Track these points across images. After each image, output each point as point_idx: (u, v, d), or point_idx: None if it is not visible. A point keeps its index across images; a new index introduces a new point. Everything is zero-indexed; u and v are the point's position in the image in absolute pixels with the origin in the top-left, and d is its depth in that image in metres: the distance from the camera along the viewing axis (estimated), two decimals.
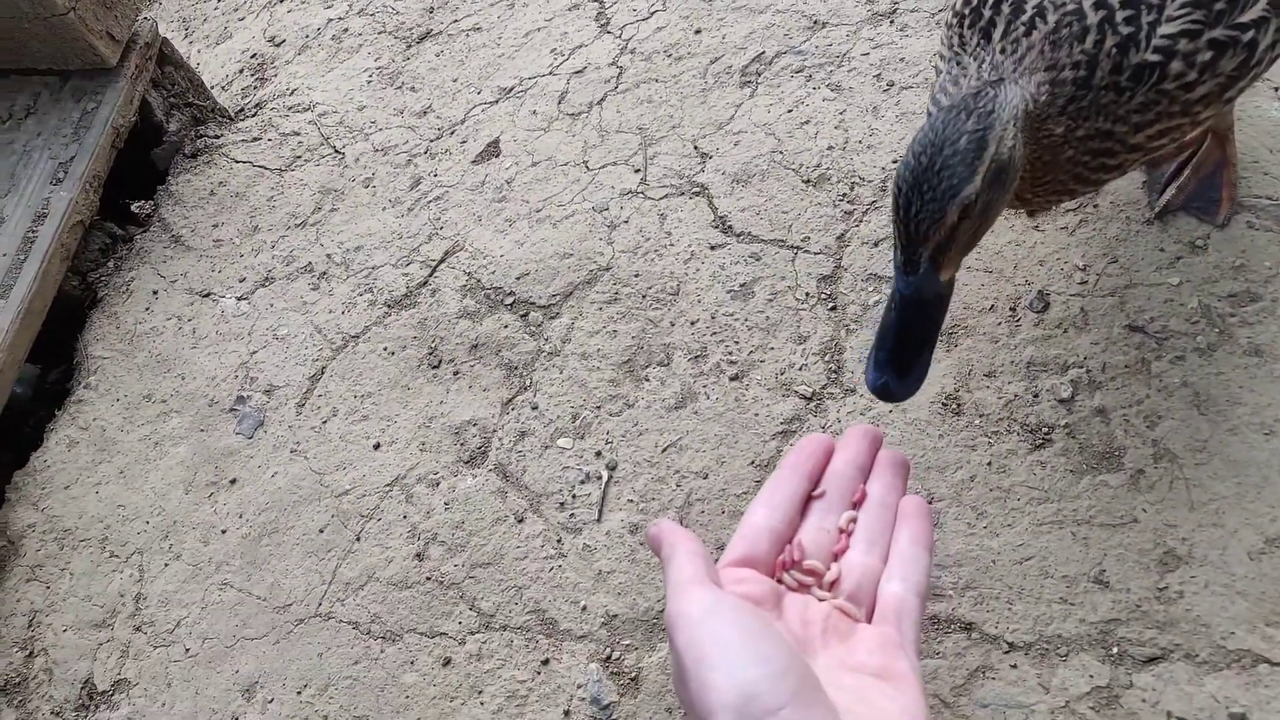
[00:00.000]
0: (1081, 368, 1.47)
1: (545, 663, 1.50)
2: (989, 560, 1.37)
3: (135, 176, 2.39)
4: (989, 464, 1.44)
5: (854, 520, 0.76)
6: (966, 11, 1.11)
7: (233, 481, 1.85)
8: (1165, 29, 1.00)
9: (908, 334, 0.83)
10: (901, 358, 0.82)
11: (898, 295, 0.85)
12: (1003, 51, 1.05)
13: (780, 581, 0.73)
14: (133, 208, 2.39)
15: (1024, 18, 1.05)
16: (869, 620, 0.72)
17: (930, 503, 1.44)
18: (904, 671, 0.66)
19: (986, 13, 1.08)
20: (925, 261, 0.85)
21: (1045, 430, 1.44)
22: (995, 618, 1.33)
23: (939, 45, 1.20)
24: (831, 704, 0.57)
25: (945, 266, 0.87)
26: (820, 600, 0.72)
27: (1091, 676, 1.26)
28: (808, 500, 0.78)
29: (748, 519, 0.76)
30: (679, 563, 0.67)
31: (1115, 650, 1.27)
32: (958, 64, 1.11)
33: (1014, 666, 1.30)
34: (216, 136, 2.46)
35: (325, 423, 1.86)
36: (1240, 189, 1.49)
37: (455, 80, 2.35)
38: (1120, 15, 1.00)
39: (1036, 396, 1.47)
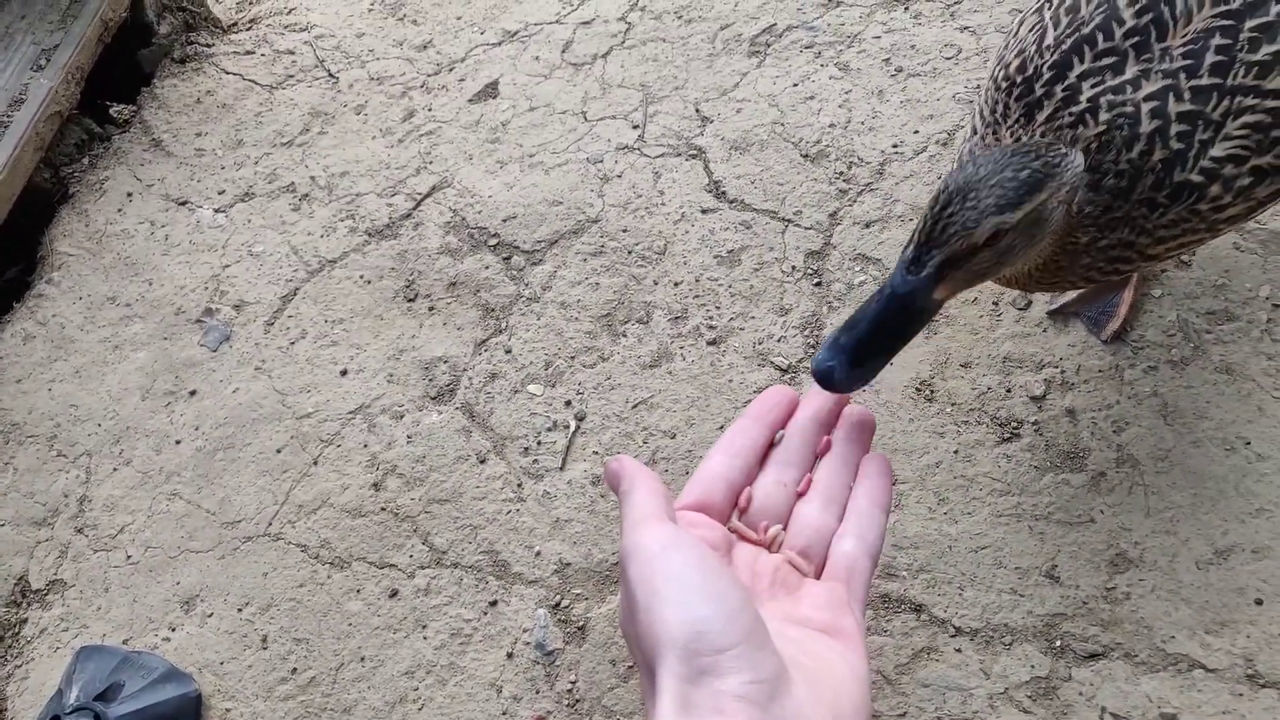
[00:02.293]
0: (1056, 368, 1.48)
1: (493, 604, 1.49)
2: (946, 546, 1.39)
3: (119, 75, 2.32)
4: (956, 452, 1.45)
5: (810, 480, 0.75)
6: (1018, 79, 1.06)
7: (192, 393, 1.81)
8: (1217, 150, 0.97)
9: (880, 330, 0.78)
10: (862, 350, 0.77)
11: (889, 289, 0.82)
12: (1042, 136, 1.02)
13: (732, 529, 0.72)
14: (112, 111, 2.33)
15: (1074, 109, 1.01)
16: (818, 576, 0.71)
17: (893, 484, 1.45)
18: (849, 628, 0.65)
19: (1038, 90, 1.04)
20: (933, 267, 0.82)
21: (1014, 425, 1.45)
22: (945, 602, 1.35)
23: (981, 100, 1.15)
24: (778, 652, 0.56)
25: (946, 283, 0.85)
26: (771, 552, 0.72)
27: (1032, 667, 1.28)
28: (768, 451, 0.77)
29: (705, 465, 0.75)
30: (639, 497, 0.66)
31: (1058, 644, 1.29)
32: (994, 134, 1.08)
33: (958, 650, 1.32)
34: (208, 45, 2.39)
35: (293, 344, 1.82)
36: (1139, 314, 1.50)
37: (459, 18, 2.31)
38: (1175, 130, 0.97)
39: (1009, 391, 1.48)
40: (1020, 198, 0.84)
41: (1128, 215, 1.01)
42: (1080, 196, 0.99)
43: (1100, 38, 1.02)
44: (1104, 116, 0.99)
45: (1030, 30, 1.10)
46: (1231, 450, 1.36)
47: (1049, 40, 1.06)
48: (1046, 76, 1.04)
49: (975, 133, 1.13)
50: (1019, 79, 1.07)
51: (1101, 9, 1.03)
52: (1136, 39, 1.00)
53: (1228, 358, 1.42)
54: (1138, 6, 1.01)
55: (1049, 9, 1.10)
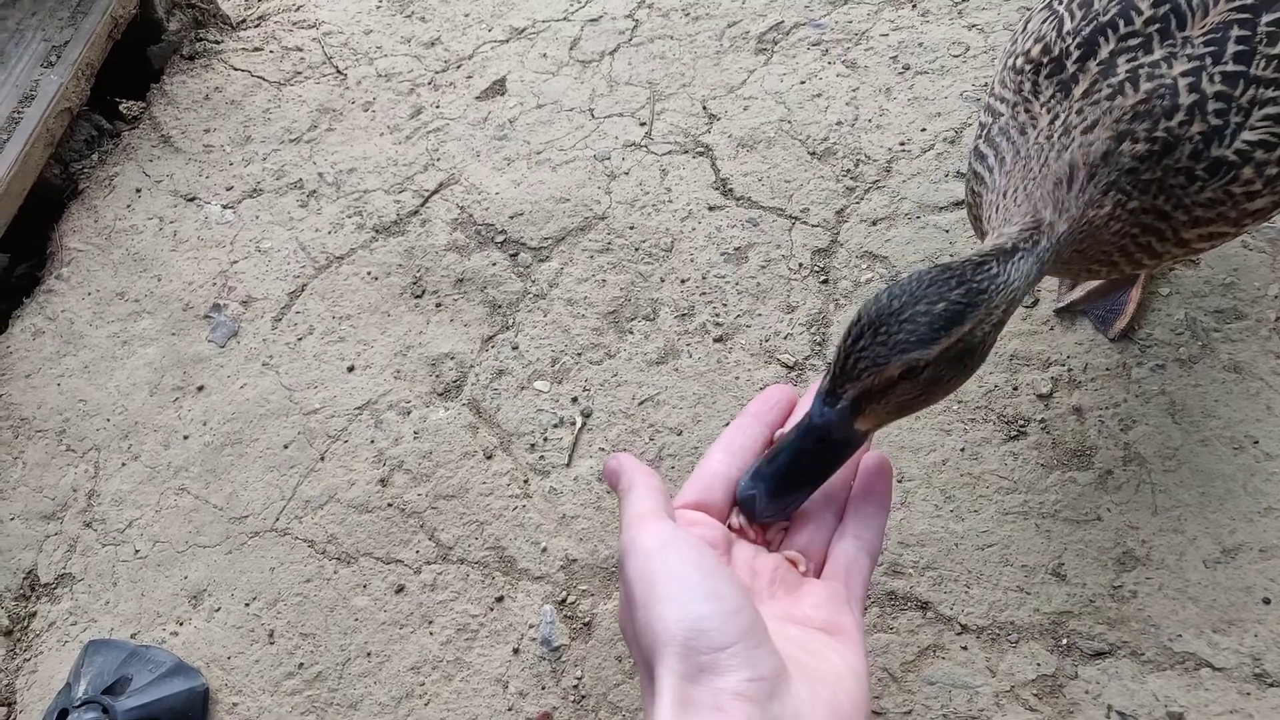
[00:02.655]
0: (1063, 366, 1.48)
1: (499, 600, 1.49)
2: (952, 543, 1.38)
3: (129, 72, 2.33)
4: (962, 450, 1.45)
5: None
6: (1044, 60, 1.07)
7: (200, 388, 1.82)
8: (1247, 134, 0.99)
9: (800, 461, 0.73)
10: (782, 482, 0.72)
11: (806, 421, 0.76)
12: (1079, 112, 1.02)
13: (731, 528, 0.72)
14: (121, 107, 2.33)
15: (1113, 79, 1.02)
16: (818, 575, 0.71)
17: (899, 480, 1.45)
18: (848, 627, 0.65)
19: (1070, 67, 1.05)
20: (847, 400, 0.76)
21: (1021, 423, 1.45)
22: (952, 599, 1.35)
23: (996, 87, 1.15)
24: (777, 650, 0.56)
25: (867, 417, 0.79)
26: (772, 550, 0.72)
27: (1039, 665, 1.28)
28: (767, 448, 0.76)
29: (705, 463, 0.75)
30: (637, 495, 0.66)
31: (1065, 641, 1.29)
32: (1026, 111, 1.07)
33: (964, 648, 1.31)
34: (217, 42, 2.40)
35: (300, 340, 1.83)
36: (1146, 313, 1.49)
37: (467, 15, 2.32)
38: (1212, 106, 0.99)
39: (1016, 389, 1.48)
40: (935, 333, 0.79)
41: (1161, 181, 1.01)
42: (1101, 174, 0.98)
43: (1121, 24, 1.04)
44: (1145, 85, 1.00)
45: (1043, 23, 1.12)
46: (1240, 449, 1.36)
47: (1068, 27, 1.07)
48: (1076, 55, 1.05)
49: (999, 115, 1.11)
50: (1045, 60, 1.08)
51: (1116, 2, 1.05)
52: (1158, 25, 1.02)
53: (1236, 356, 1.42)
54: None
55: (1060, 3, 1.11)
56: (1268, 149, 1.00)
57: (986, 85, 1.79)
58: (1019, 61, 1.11)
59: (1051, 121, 1.04)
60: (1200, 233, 1.05)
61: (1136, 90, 1.00)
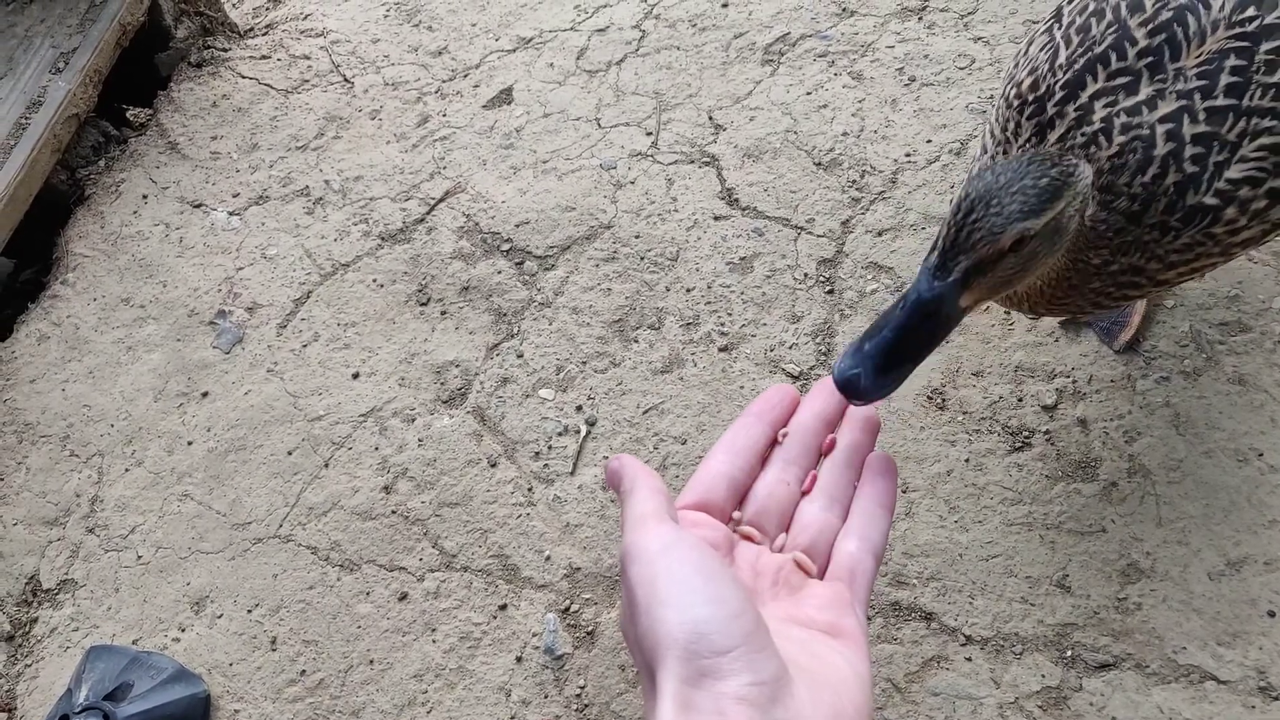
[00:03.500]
0: (1068, 377, 1.48)
1: (503, 608, 1.49)
2: (956, 554, 1.38)
3: (136, 79, 2.34)
4: (967, 461, 1.45)
5: (815, 478, 0.75)
6: (1030, 98, 1.07)
7: (204, 394, 1.82)
8: (1233, 172, 0.97)
9: (905, 337, 0.75)
10: (888, 357, 0.74)
11: (915, 295, 0.79)
12: None
13: (734, 529, 0.72)
14: (129, 114, 2.34)
15: (1087, 129, 1.01)
16: (821, 576, 0.71)
17: (903, 491, 1.45)
18: (852, 629, 0.65)
19: (1049, 110, 1.05)
20: (959, 272, 0.81)
21: (1025, 434, 1.45)
22: (956, 610, 1.35)
23: (992, 117, 1.16)
24: (779, 653, 0.56)
25: (971, 291, 0.83)
26: (774, 552, 0.72)
27: (1043, 676, 1.28)
28: (770, 449, 0.76)
29: (706, 464, 0.74)
30: (639, 497, 0.66)
31: (1069, 653, 1.29)
32: (1004, 153, 1.08)
33: (969, 659, 1.31)
34: (224, 49, 2.41)
35: (305, 346, 1.83)
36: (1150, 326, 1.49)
37: (474, 25, 2.33)
38: (1189, 152, 0.97)
39: (1021, 400, 1.48)
40: (1043, 203, 0.85)
41: (1139, 240, 1.00)
42: (1093, 213, 0.99)
43: (1113, 57, 1.02)
44: (1118, 139, 0.99)
45: (1041, 49, 1.10)
46: (1244, 461, 1.36)
47: (1061, 59, 1.06)
48: (1059, 96, 1.04)
49: (985, 151, 1.13)
50: (1031, 97, 1.07)
51: (1113, 29, 1.03)
52: (1150, 59, 1.00)
53: (1241, 369, 1.42)
54: (1150, 27, 1.01)
55: (1059, 28, 1.10)
56: (1254, 185, 0.98)
57: (992, 98, 1.80)
58: (1012, 94, 1.11)
59: None
60: (1181, 271, 1.05)
61: (1110, 142, 1.00)
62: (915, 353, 0.77)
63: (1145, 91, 1.00)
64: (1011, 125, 1.09)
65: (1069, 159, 0.90)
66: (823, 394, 0.78)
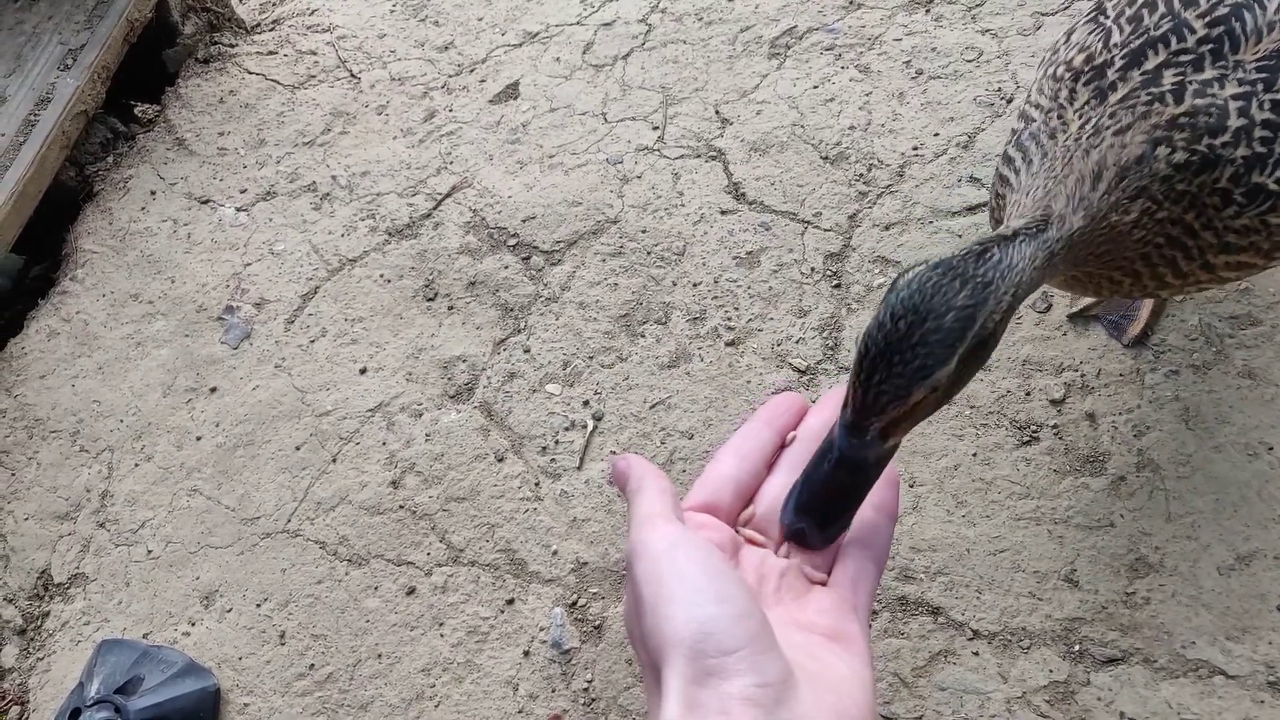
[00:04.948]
0: (1076, 371, 1.48)
1: (510, 602, 1.50)
2: (964, 548, 1.38)
3: (144, 75, 2.34)
4: (974, 455, 1.45)
5: None
6: (1086, 69, 1.06)
7: (213, 390, 1.83)
8: None
9: (837, 492, 0.72)
10: (825, 512, 0.72)
11: (836, 453, 0.74)
12: (1111, 115, 1.00)
13: (739, 532, 0.72)
14: (136, 110, 2.35)
15: (1155, 89, 1.00)
16: (825, 582, 0.71)
17: (910, 485, 1.45)
18: (854, 634, 0.65)
19: (1110, 75, 1.03)
20: (875, 431, 0.75)
21: (1034, 428, 1.45)
22: (963, 605, 1.34)
23: (1034, 94, 1.14)
24: (784, 655, 0.56)
25: (894, 434, 0.78)
26: (779, 556, 0.72)
27: (1051, 671, 1.28)
28: (776, 455, 0.77)
29: (714, 466, 0.74)
30: (646, 496, 0.66)
31: (1077, 648, 1.28)
32: (1059, 117, 1.06)
33: (976, 654, 1.31)
34: (231, 45, 2.41)
35: (313, 342, 1.84)
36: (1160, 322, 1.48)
37: (480, 19, 2.32)
38: (1259, 134, 0.97)
39: (1029, 395, 1.48)
40: (950, 349, 0.77)
41: (1197, 197, 0.99)
42: (1132, 177, 0.97)
43: (1174, 40, 1.02)
44: (1189, 101, 0.98)
45: (1090, 34, 1.10)
46: (1254, 456, 1.35)
47: (1116, 40, 1.06)
48: (1120, 64, 1.03)
49: (1032, 120, 1.09)
50: (1087, 68, 1.06)
51: (1168, 19, 1.03)
52: (1211, 45, 1.00)
53: (1251, 362, 1.41)
54: (1208, 19, 1.01)
55: (1107, 18, 1.09)
56: None
57: (999, 90, 1.79)
58: (1060, 70, 1.09)
59: (1082, 125, 1.02)
60: (1229, 260, 1.03)
61: (1181, 103, 0.98)
62: (850, 502, 0.74)
63: (1210, 71, 1.00)
64: (1064, 93, 1.06)
65: (987, 258, 0.82)
66: (831, 404, 0.78)
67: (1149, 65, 1.02)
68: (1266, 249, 1.03)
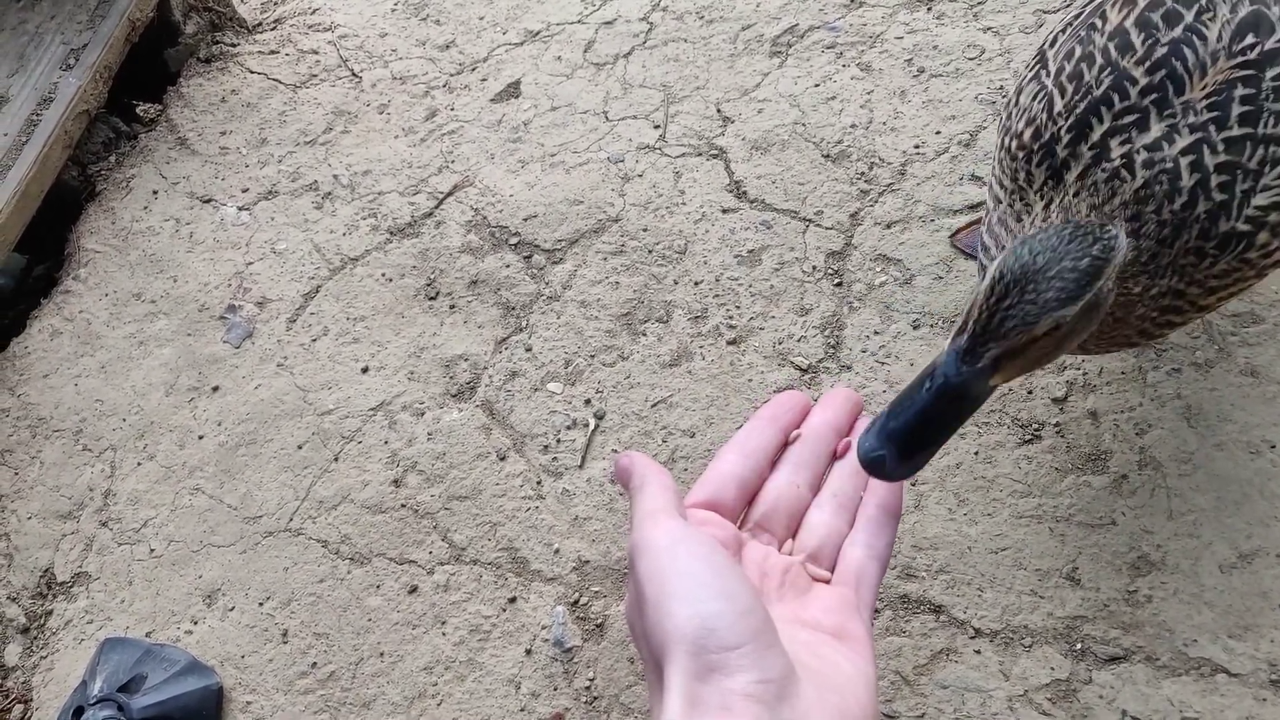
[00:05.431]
0: (1078, 370, 1.48)
1: (512, 600, 1.50)
2: (965, 546, 1.38)
3: (146, 75, 2.34)
4: (976, 453, 1.45)
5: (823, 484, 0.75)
6: (1035, 146, 1.05)
7: (215, 389, 1.83)
8: (1259, 199, 0.96)
9: (931, 420, 0.72)
10: (912, 442, 0.71)
11: (941, 378, 0.75)
12: (1076, 195, 1.00)
13: (742, 529, 0.72)
14: (139, 110, 2.35)
15: (1108, 165, 0.99)
16: (828, 580, 0.71)
17: (912, 484, 1.45)
18: (857, 633, 0.65)
19: (1060, 153, 1.03)
20: (989, 359, 0.78)
21: (1036, 426, 1.45)
22: (965, 603, 1.34)
23: (996, 171, 1.13)
24: (786, 652, 0.56)
25: (1001, 372, 0.80)
26: (781, 554, 0.72)
27: (1052, 669, 1.28)
28: (779, 453, 0.77)
29: (717, 464, 0.74)
30: (649, 492, 0.66)
31: (1079, 646, 1.28)
32: (1021, 200, 1.06)
33: (978, 652, 1.31)
34: (233, 45, 2.41)
35: (315, 341, 1.84)
36: None
37: (482, 18, 2.33)
38: (1215, 181, 0.96)
39: (1030, 393, 1.48)
40: (1081, 289, 0.81)
41: (1175, 262, 0.99)
42: (1130, 254, 0.97)
43: (1116, 98, 1.00)
44: (1141, 174, 0.97)
45: (1033, 99, 1.08)
46: (1256, 454, 1.35)
47: (1059, 107, 1.04)
48: (1067, 139, 1.02)
49: (999, 202, 1.10)
50: (1035, 146, 1.05)
51: (1109, 72, 1.02)
52: (1155, 95, 0.99)
53: (1253, 360, 1.41)
54: (1147, 64, 0.99)
55: (1048, 75, 1.08)
56: None
57: (1001, 88, 1.79)
58: (1013, 145, 1.09)
59: (1046, 206, 1.02)
60: (1219, 296, 1.04)
61: (1134, 176, 0.97)
62: (940, 436, 0.74)
63: (1157, 128, 0.98)
64: (1022, 175, 1.06)
65: (1109, 229, 0.86)
66: (834, 403, 0.78)
67: (1095, 137, 1.00)
68: (1254, 274, 1.03)
